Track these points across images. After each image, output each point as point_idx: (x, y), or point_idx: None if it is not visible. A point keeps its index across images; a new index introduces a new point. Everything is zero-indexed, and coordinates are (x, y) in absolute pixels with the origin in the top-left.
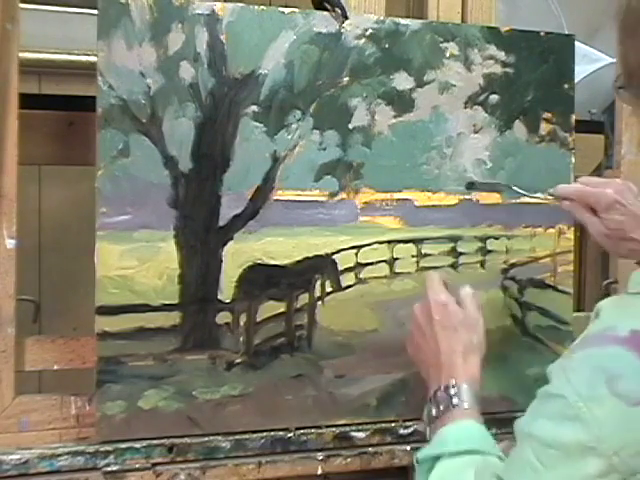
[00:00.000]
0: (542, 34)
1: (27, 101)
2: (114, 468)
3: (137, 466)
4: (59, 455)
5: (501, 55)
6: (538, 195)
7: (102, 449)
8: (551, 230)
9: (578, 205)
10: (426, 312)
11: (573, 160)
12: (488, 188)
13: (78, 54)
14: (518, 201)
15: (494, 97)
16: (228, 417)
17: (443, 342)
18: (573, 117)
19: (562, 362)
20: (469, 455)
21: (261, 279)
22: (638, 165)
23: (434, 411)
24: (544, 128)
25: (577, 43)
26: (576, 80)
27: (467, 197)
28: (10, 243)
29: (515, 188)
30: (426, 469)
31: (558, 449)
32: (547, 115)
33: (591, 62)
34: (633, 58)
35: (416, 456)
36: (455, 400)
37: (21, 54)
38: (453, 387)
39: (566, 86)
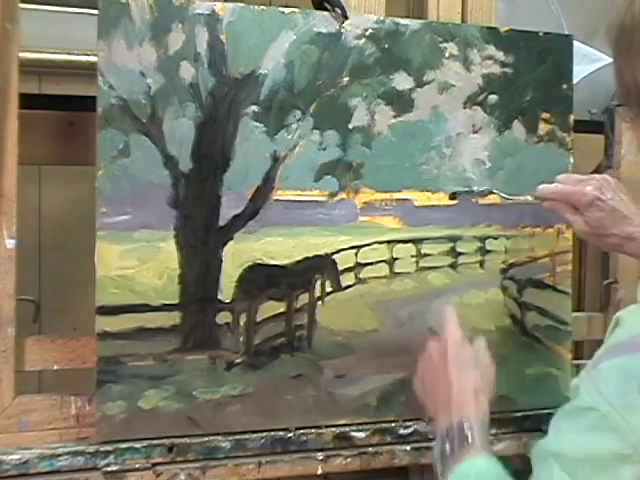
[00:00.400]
0: (541, 34)
1: (27, 101)
2: (114, 468)
3: (137, 466)
4: (59, 455)
5: (500, 55)
6: (520, 198)
7: (102, 449)
8: (550, 230)
9: (559, 204)
10: (442, 348)
11: (572, 160)
12: (471, 195)
13: (78, 54)
14: (520, 197)
15: (493, 97)
16: (228, 417)
17: (456, 379)
18: (571, 117)
19: (589, 374)
20: None
21: (261, 279)
22: (638, 165)
23: (448, 448)
24: (543, 128)
25: (577, 43)
26: (576, 80)
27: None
28: (10, 243)
29: (497, 192)
30: None
31: (593, 462)
32: (546, 115)
33: (591, 62)
34: (629, 76)
35: None
36: (470, 438)
37: (21, 54)
38: (467, 424)
39: (564, 86)
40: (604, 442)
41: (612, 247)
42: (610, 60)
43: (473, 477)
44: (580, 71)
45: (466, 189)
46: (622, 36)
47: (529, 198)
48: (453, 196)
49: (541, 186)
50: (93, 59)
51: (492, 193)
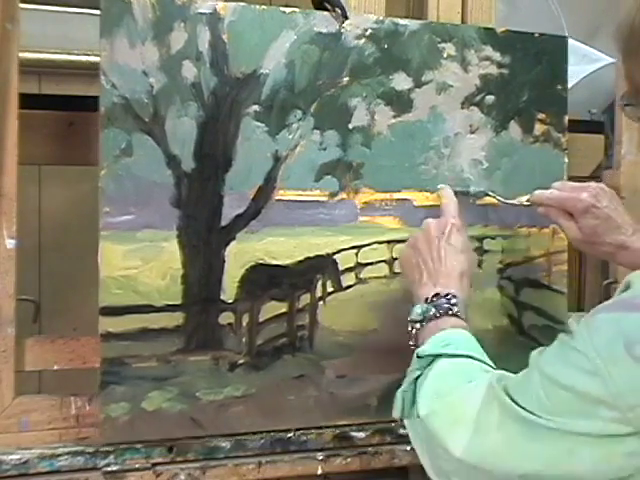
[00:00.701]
0: (536, 35)
1: (27, 101)
2: (114, 468)
3: (137, 466)
4: (59, 455)
5: (497, 56)
6: (514, 202)
7: (102, 449)
8: (545, 230)
9: (554, 210)
10: (440, 229)
11: (566, 160)
12: (467, 197)
13: (78, 54)
14: (514, 201)
15: (490, 98)
16: (231, 418)
17: (448, 258)
18: (566, 118)
19: (587, 320)
20: (468, 359)
21: (263, 279)
22: (638, 165)
23: (433, 311)
24: (538, 129)
25: (577, 43)
26: (576, 80)
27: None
28: (10, 243)
29: (492, 195)
30: (425, 364)
31: (569, 392)
32: (541, 116)
33: (591, 62)
34: (639, 76)
35: (417, 352)
36: (455, 308)
37: (21, 54)
38: (453, 297)
39: (559, 87)
40: (585, 381)
41: (604, 255)
42: (610, 60)
43: (453, 343)
44: (580, 71)
45: (461, 190)
46: (632, 37)
47: (524, 202)
48: None
49: (537, 192)
50: (93, 59)
51: (487, 195)
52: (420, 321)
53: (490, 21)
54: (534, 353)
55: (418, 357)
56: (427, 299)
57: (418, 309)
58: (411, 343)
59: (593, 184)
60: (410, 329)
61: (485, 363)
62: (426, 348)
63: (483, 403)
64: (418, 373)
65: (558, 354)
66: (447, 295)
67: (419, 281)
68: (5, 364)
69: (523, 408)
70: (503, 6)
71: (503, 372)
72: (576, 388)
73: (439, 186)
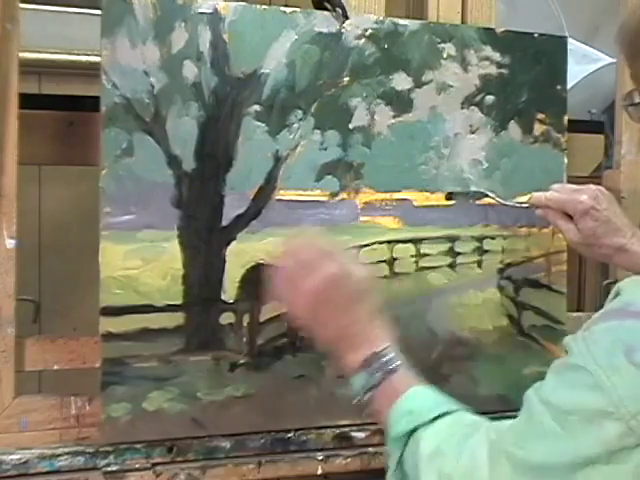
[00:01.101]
0: (535, 35)
1: (27, 101)
2: (114, 468)
3: (137, 466)
4: (59, 455)
5: (496, 56)
6: (513, 203)
7: (102, 449)
8: (545, 230)
9: (553, 212)
10: (327, 284)
11: (566, 160)
12: (466, 197)
13: (78, 54)
14: (513, 201)
15: (490, 98)
16: (232, 418)
17: (353, 312)
18: (566, 118)
19: (582, 335)
20: (445, 418)
21: (264, 279)
22: (638, 165)
23: (375, 378)
24: (538, 129)
25: (577, 43)
26: (576, 80)
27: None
28: (10, 243)
29: (492, 195)
30: (402, 444)
31: (579, 415)
32: (540, 116)
33: (591, 62)
34: None
35: (389, 435)
36: (391, 365)
37: (21, 54)
38: (383, 352)
39: (559, 87)
40: (589, 398)
41: (602, 257)
42: (610, 60)
43: (418, 410)
44: (580, 71)
45: (461, 190)
46: (637, 38)
47: (523, 204)
48: (449, 196)
49: (536, 194)
50: (93, 59)
51: (487, 196)
52: (365, 392)
53: (490, 21)
54: (529, 393)
55: (391, 438)
56: (359, 368)
57: (357, 383)
58: (366, 412)
59: (592, 186)
60: (357, 401)
61: (459, 409)
62: (395, 427)
63: (491, 464)
64: (399, 454)
65: (558, 381)
66: (379, 353)
67: (339, 351)
68: (5, 364)
69: (533, 455)
70: (503, 6)
71: (490, 422)
72: (582, 407)
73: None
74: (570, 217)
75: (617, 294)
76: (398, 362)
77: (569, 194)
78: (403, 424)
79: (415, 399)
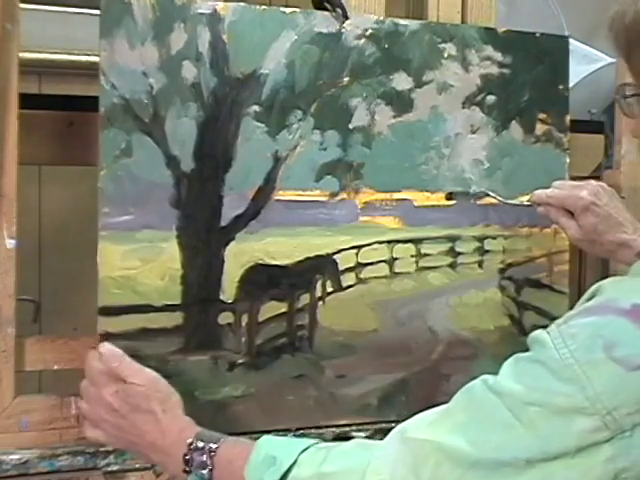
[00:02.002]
0: (537, 35)
1: (27, 101)
2: (114, 468)
3: (137, 466)
4: (59, 455)
5: (498, 56)
6: (514, 202)
7: (102, 449)
8: (547, 230)
9: (554, 210)
10: (107, 403)
11: (568, 160)
12: (467, 197)
13: (78, 54)
14: (515, 201)
15: (491, 97)
16: (230, 418)
17: (142, 423)
18: (568, 118)
19: (559, 328)
20: (306, 451)
21: (263, 279)
22: (638, 165)
23: (205, 472)
24: (539, 129)
25: (577, 43)
26: (576, 80)
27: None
28: (10, 243)
29: (492, 195)
30: None
31: (543, 407)
32: (542, 116)
33: (591, 62)
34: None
35: None
36: (211, 445)
37: (21, 54)
38: (193, 443)
39: (561, 87)
40: (562, 391)
41: (605, 253)
42: (610, 60)
43: (280, 454)
44: (580, 71)
45: (462, 190)
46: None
47: (524, 202)
48: (449, 196)
49: (537, 191)
50: (93, 59)
51: (487, 195)
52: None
53: (490, 21)
54: (475, 384)
55: None
56: (186, 469)
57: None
58: None
59: (593, 182)
60: None
61: (312, 443)
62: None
63: (419, 466)
64: None
65: (518, 372)
66: (190, 448)
67: (155, 460)
68: (5, 364)
69: (482, 449)
70: (503, 6)
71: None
72: (549, 400)
73: None
74: (572, 214)
75: (594, 294)
76: (214, 444)
77: (569, 190)
78: (269, 474)
79: (270, 444)
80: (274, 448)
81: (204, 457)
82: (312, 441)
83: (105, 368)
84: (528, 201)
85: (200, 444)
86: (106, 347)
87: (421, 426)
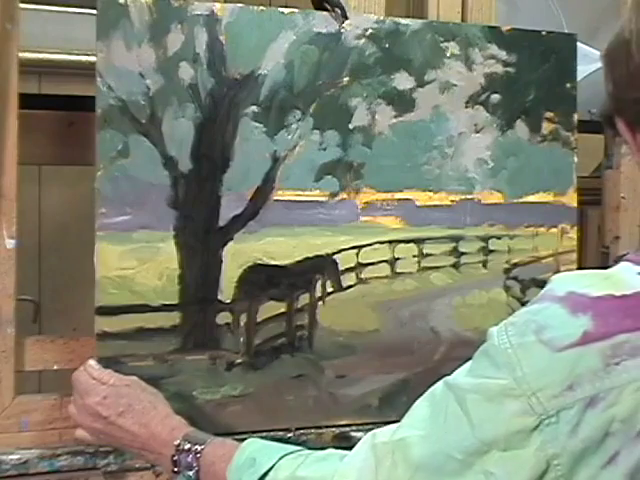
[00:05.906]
0: (543, 33)
1: (27, 101)
2: (114, 468)
3: (137, 466)
4: (59, 455)
5: (502, 54)
6: None
7: (102, 449)
8: (554, 230)
9: None
10: (94, 412)
11: (575, 160)
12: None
13: (78, 54)
14: (520, 200)
15: (495, 96)
16: (228, 418)
17: (131, 426)
18: (575, 116)
19: (504, 321)
20: (291, 456)
21: (261, 279)
22: (638, 165)
23: (192, 473)
24: (546, 127)
25: (577, 43)
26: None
27: (469, 197)
28: (10, 243)
29: None
30: None
31: (479, 394)
32: (549, 114)
33: (591, 62)
34: None
35: None
36: (197, 447)
37: (21, 54)
38: (180, 445)
39: (568, 85)
40: (496, 375)
41: None
42: None
43: (259, 456)
44: (580, 71)
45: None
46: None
47: None
48: None
49: None
50: (93, 59)
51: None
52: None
53: (490, 21)
54: (439, 382)
55: None
56: (174, 470)
57: None
58: None
59: None
60: None
61: (294, 449)
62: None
63: (376, 467)
64: None
65: (469, 365)
66: (178, 449)
67: (147, 458)
68: (5, 364)
69: (435, 445)
70: (503, 6)
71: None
72: (484, 386)
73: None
74: None
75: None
76: (199, 445)
77: None
78: (250, 473)
79: (254, 447)
80: (256, 451)
81: (190, 458)
82: (296, 448)
83: (89, 378)
84: None
85: (187, 446)
86: (90, 362)
87: (388, 431)
